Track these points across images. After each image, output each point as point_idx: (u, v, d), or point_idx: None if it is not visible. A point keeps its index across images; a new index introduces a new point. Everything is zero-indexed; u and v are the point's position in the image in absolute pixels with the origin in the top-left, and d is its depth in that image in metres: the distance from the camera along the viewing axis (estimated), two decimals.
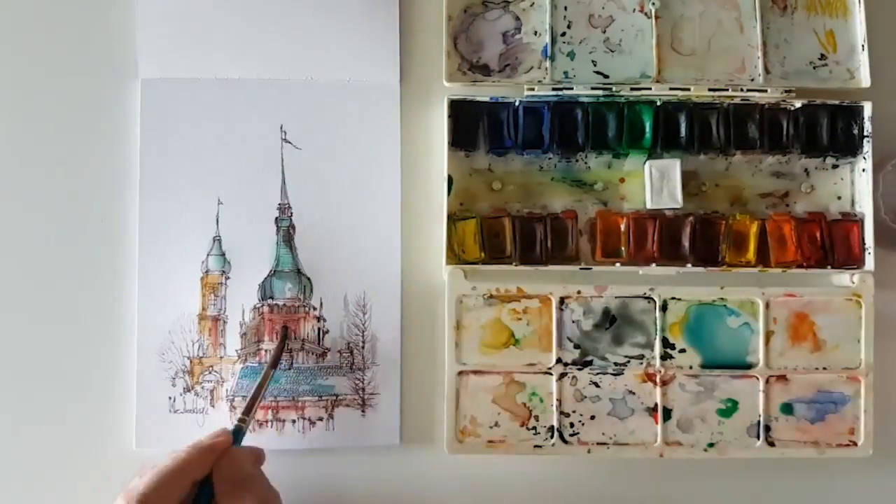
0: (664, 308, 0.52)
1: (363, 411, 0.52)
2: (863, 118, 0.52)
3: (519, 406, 0.51)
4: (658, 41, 0.52)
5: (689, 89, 0.52)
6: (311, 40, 0.54)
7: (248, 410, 0.49)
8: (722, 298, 0.52)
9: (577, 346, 0.52)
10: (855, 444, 0.51)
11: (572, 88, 0.52)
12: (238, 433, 0.48)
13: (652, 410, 0.51)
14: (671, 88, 0.52)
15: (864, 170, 0.52)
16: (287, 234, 0.53)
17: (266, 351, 0.53)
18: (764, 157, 0.53)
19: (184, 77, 0.53)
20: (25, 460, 0.52)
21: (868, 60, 0.52)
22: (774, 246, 0.52)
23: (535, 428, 0.51)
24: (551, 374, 0.51)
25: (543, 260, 0.52)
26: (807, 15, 0.53)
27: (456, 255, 0.52)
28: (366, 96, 0.53)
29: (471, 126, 0.52)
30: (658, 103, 0.52)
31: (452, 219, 0.52)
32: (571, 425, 0.51)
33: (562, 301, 0.52)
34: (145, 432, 0.51)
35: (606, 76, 0.52)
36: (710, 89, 0.52)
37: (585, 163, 0.53)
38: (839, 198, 0.53)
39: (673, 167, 0.51)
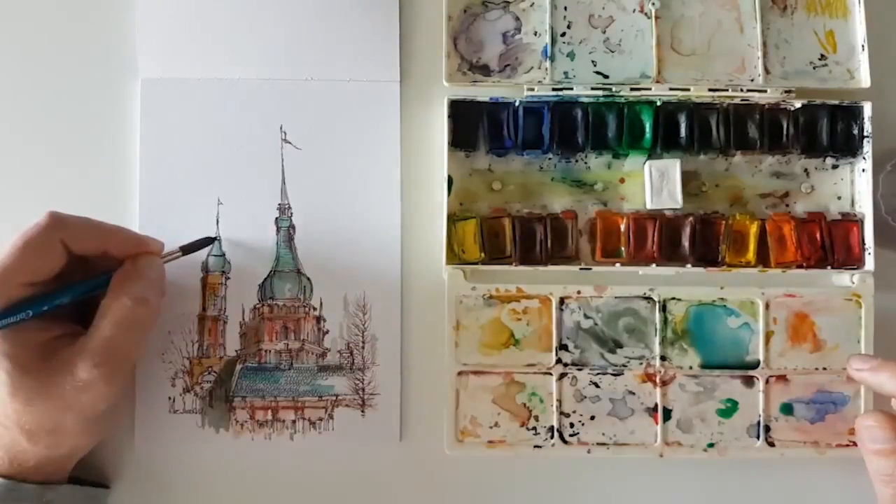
0: (664, 308, 0.52)
1: (363, 411, 0.52)
2: (863, 118, 0.52)
3: (519, 406, 0.51)
4: (658, 41, 0.52)
5: (689, 89, 0.52)
6: (311, 40, 0.54)
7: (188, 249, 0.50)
8: (722, 298, 0.52)
9: (577, 347, 0.52)
10: (855, 444, 0.51)
11: (572, 89, 0.52)
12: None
13: (652, 411, 0.51)
14: (671, 89, 0.52)
15: (864, 170, 0.52)
16: (287, 235, 0.53)
17: (266, 351, 0.53)
18: (764, 158, 0.53)
19: (184, 77, 0.53)
20: None
21: (868, 60, 0.52)
22: (774, 246, 0.52)
23: (535, 428, 0.51)
24: (551, 374, 0.51)
25: (543, 260, 0.52)
26: (807, 15, 0.53)
27: (456, 255, 0.52)
28: (366, 96, 0.53)
29: (471, 126, 0.52)
30: (658, 103, 0.52)
31: (452, 219, 0.52)
32: (571, 425, 0.51)
33: (562, 301, 0.52)
34: (145, 432, 0.51)
35: (606, 76, 0.52)
36: (710, 89, 0.52)
37: (585, 163, 0.53)
38: (839, 198, 0.53)
39: (673, 167, 0.51)
